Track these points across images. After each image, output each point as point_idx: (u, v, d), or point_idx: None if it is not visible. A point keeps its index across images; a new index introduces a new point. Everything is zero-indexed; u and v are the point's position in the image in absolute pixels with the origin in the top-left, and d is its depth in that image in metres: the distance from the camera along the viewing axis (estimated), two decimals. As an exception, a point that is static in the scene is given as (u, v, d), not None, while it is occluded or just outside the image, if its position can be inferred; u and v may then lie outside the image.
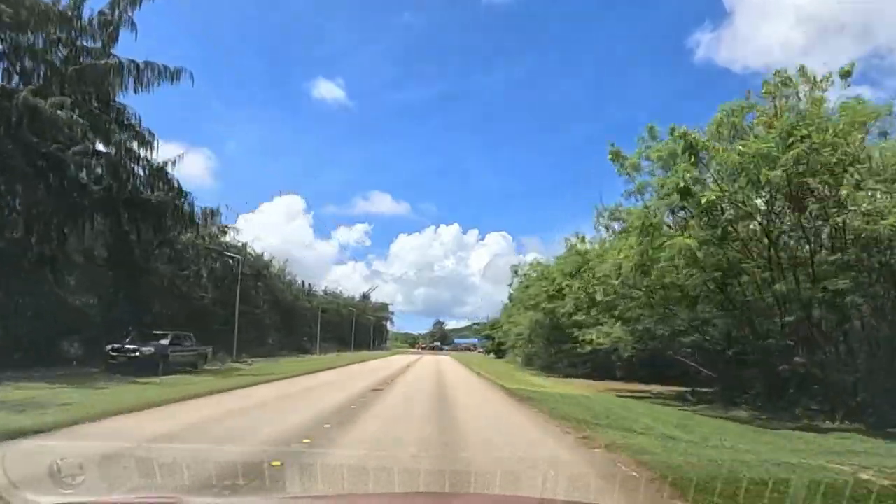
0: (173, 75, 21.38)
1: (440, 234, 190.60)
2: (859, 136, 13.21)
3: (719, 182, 14.31)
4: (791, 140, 12.45)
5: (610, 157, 17.66)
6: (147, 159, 22.37)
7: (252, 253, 41.78)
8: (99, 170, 20.71)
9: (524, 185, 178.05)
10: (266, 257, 48.15)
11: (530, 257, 70.92)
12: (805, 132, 12.35)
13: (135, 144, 21.94)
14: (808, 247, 14.31)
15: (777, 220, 15.23)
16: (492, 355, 72.04)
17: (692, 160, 14.03)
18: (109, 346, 19.00)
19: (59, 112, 17.25)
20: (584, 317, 22.83)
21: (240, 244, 38.12)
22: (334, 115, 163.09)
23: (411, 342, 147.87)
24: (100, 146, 20.93)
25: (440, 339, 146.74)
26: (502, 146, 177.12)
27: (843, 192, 12.15)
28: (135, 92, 20.98)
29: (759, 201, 14.92)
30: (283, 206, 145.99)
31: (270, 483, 4.06)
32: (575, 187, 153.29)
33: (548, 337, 34.76)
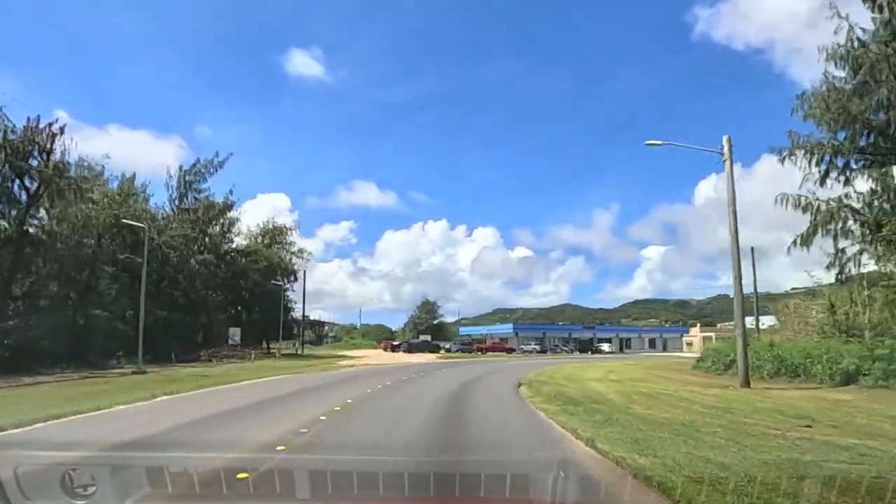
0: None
1: (427, 231, 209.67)
2: None
3: None
4: None
5: None
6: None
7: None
8: None
9: (514, 179, 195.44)
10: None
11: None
12: None
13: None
14: None
15: None
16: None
17: None
18: None
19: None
20: None
21: None
22: (316, 106, 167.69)
23: (387, 337, 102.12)
24: None
25: (431, 332, 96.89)
26: (491, 140, 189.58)
27: None
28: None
29: None
30: (267, 204, 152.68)
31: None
32: (565, 180, 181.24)
33: None
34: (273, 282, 44.11)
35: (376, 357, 51.48)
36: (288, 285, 55.36)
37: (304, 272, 65.85)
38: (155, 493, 3.65)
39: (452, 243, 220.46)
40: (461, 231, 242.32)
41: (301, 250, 53.67)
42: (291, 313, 58.65)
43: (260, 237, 50.14)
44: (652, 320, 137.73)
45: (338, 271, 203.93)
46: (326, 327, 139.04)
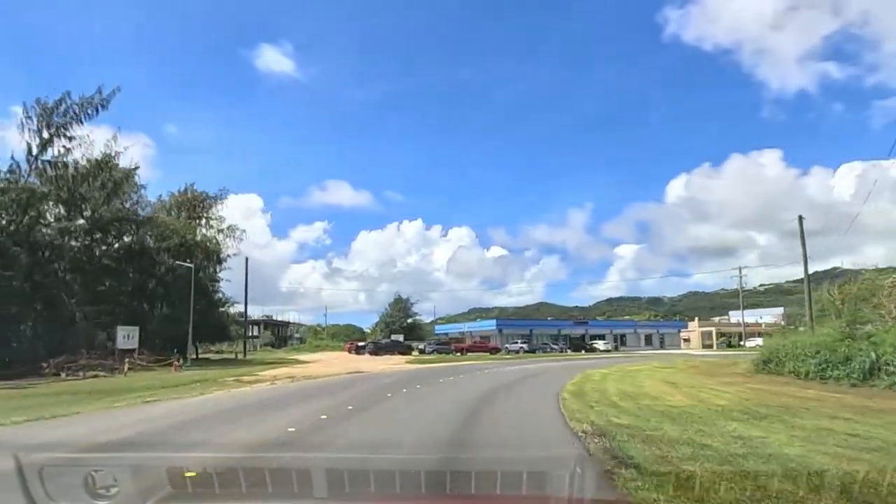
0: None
1: (403, 231, 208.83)
2: None
3: None
4: None
5: None
6: None
7: None
8: None
9: (489, 177, 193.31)
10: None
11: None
12: None
13: None
14: None
15: None
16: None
17: None
18: None
19: None
20: None
21: None
22: (287, 103, 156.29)
23: (355, 338, 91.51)
24: None
25: (405, 332, 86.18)
26: (466, 139, 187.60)
27: None
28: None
29: None
30: (239, 204, 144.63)
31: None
32: (540, 178, 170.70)
33: None
34: (179, 262, 32.60)
35: (331, 362, 40.59)
36: (219, 273, 44.00)
37: (247, 259, 54.62)
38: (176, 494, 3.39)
39: (428, 243, 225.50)
40: (436, 231, 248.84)
41: (232, 227, 42.02)
42: (225, 308, 47.30)
43: (174, 209, 38.57)
44: (626, 318, 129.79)
45: (312, 272, 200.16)
46: (291, 328, 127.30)
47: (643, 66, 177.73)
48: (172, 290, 34.42)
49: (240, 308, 56.12)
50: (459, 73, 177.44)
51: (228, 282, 47.72)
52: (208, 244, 37.01)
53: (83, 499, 2.67)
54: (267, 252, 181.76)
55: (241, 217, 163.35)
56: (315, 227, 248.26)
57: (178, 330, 36.94)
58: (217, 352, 64.02)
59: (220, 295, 45.60)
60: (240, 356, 52.11)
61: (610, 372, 23.36)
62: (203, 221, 39.80)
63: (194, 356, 46.43)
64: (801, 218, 37.70)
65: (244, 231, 42.44)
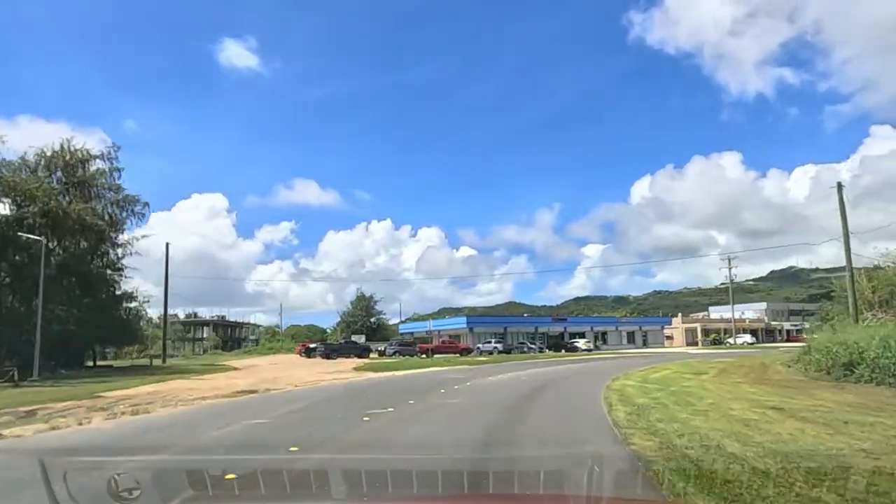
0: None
1: (372, 231, 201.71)
2: None
3: None
4: None
5: None
6: None
7: None
8: None
9: (458, 178, 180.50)
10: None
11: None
12: None
13: None
14: None
15: None
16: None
17: None
18: None
19: None
20: None
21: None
22: (252, 99, 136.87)
23: (318, 338, 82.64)
24: None
25: (369, 333, 77.54)
26: (437, 138, 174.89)
27: None
28: None
29: None
30: (203, 203, 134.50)
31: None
32: (508, 179, 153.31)
33: None
34: (29, 237, 22.99)
35: (258, 370, 31.79)
36: (123, 260, 34.57)
37: (167, 245, 45.29)
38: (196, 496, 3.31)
39: (397, 243, 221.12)
40: (406, 231, 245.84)
41: (130, 198, 32.18)
42: (138, 304, 37.95)
43: (43, 169, 28.68)
44: (594, 315, 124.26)
45: (278, 273, 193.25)
46: (246, 329, 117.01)
47: (609, 67, 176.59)
48: (30, 277, 25.10)
49: (189, 306, 46.82)
50: (430, 70, 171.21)
51: (135, 269, 38.30)
52: (87, 218, 27.56)
53: (106, 501, 2.67)
54: (232, 252, 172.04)
55: (204, 217, 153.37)
56: (281, 227, 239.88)
57: (51, 332, 27.59)
58: (146, 357, 54.12)
59: (132, 288, 36.38)
60: (156, 363, 42.63)
61: (640, 384, 15.33)
62: (90, 190, 30.35)
63: (91, 363, 37.00)
64: (839, 185, 30.70)
65: (147, 205, 33.10)
